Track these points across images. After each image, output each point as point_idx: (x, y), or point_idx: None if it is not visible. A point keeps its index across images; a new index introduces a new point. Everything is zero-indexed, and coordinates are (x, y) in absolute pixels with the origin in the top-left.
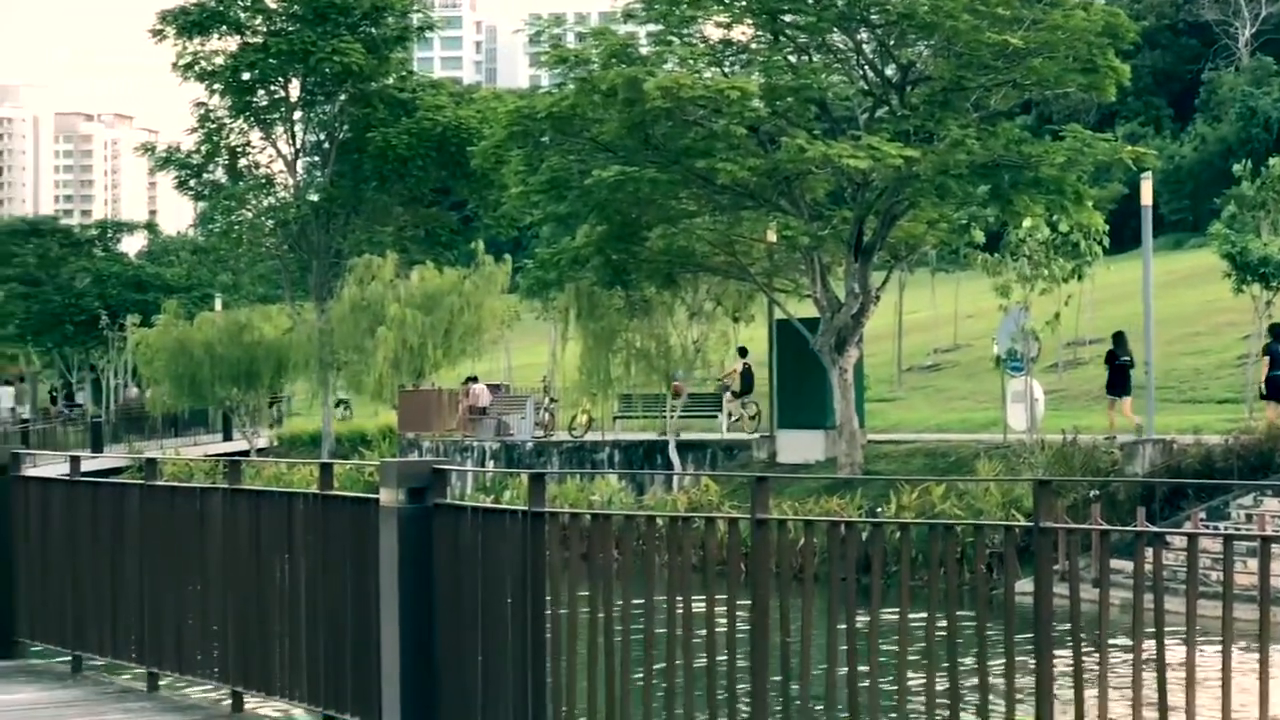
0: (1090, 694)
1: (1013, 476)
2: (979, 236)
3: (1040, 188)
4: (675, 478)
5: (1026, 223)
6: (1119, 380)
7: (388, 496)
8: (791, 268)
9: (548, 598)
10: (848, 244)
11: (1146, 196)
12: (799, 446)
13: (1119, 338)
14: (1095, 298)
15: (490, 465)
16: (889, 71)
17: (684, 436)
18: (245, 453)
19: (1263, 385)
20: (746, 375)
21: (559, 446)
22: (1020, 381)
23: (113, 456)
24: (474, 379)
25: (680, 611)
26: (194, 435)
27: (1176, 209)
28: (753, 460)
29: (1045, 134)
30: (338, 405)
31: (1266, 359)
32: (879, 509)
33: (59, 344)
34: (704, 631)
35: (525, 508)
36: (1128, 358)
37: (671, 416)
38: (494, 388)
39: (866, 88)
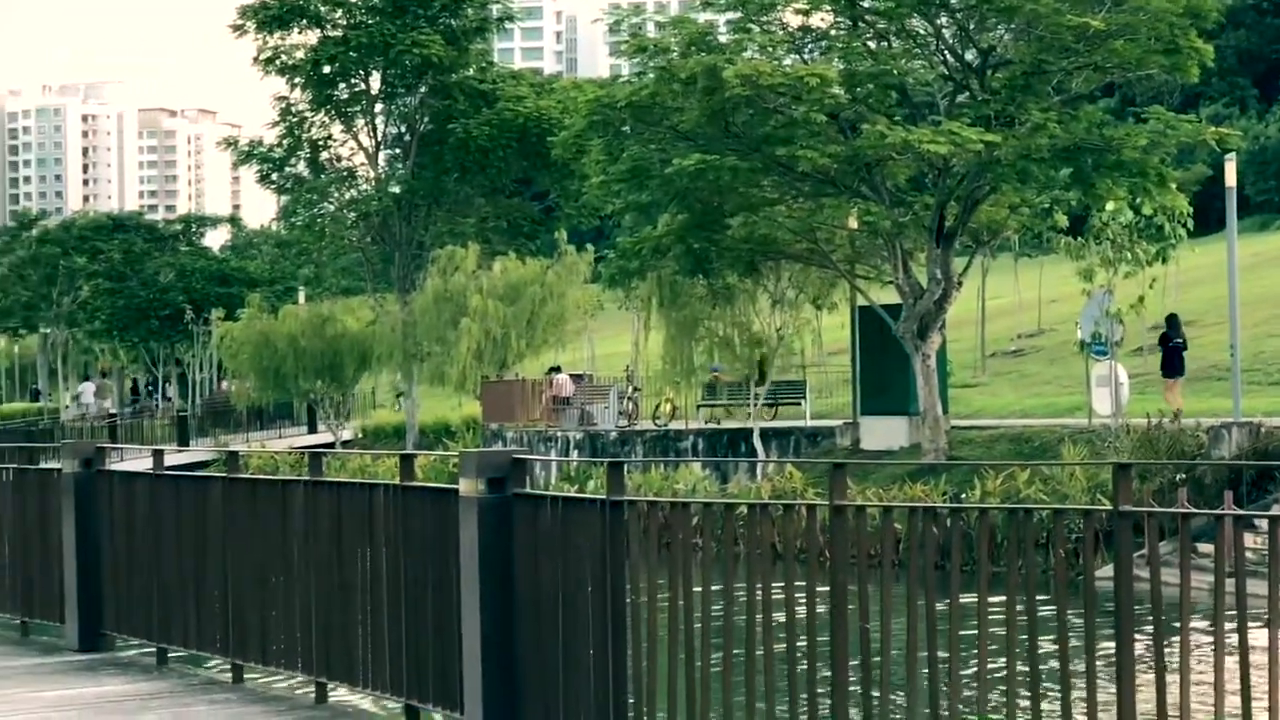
0: (1171, 678)
1: (1092, 461)
2: (1062, 221)
3: (1123, 171)
4: (759, 465)
5: (1109, 206)
6: (1172, 361)
7: (467, 487)
8: (873, 254)
9: (627, 586)
10: (929, 230)
11: (1231, 178)
12: (882, 433)
13: (1172, 320)
14: (1180, 280)
15: (574, 455)
16: (969, 56)
17: (767, 424)
18: (330, 445)
19: None
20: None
21: (643, 435)
22: (1105, 365)
23: (198, 450)
24: (557, 369)
25: (759, 598)
26: (279, 428)
27: (1262, 190)
28: (836, 447)
29: (1128, 116)
30: (397, 397)
31: None
32: (963, 495)
33: (144, 338)
34: (783, 617)
35: (604, 496)
36: (1180, 339)
37: (755, 404)
38: (577, 377)
39: (946, 73)
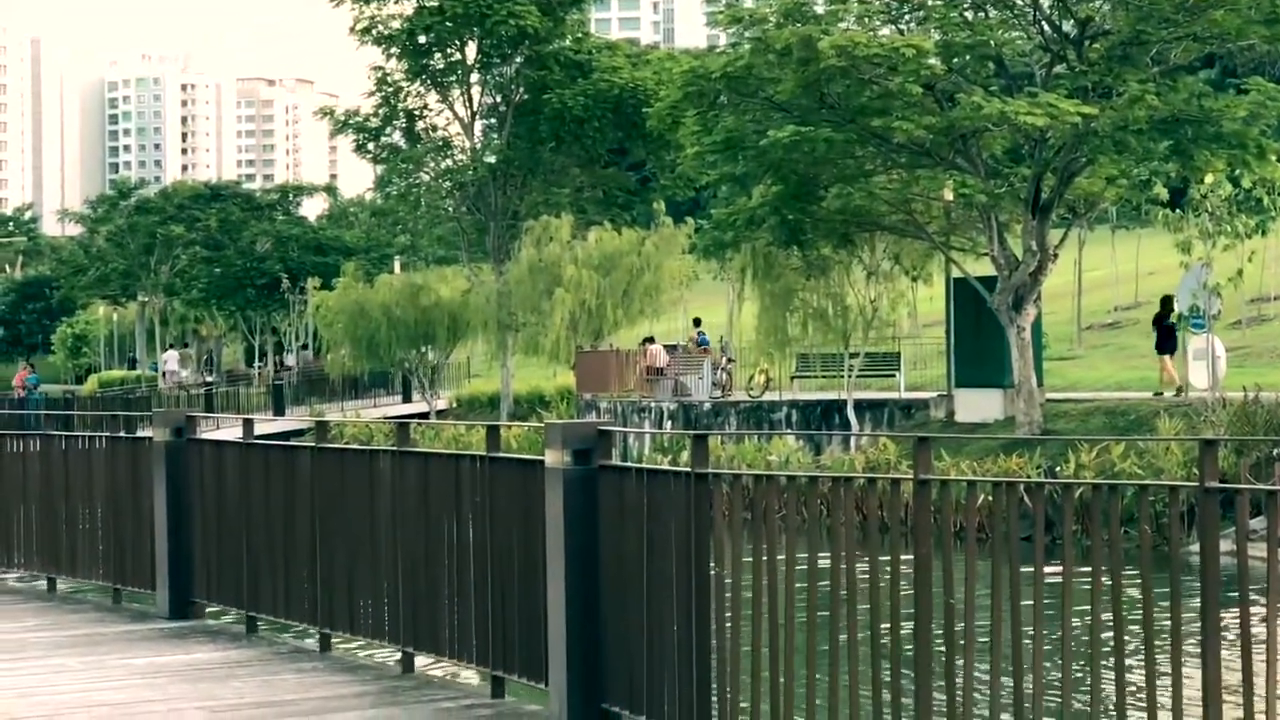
0: (1258, 657)
1: (1178, 436)
2: (1162, 193)
3: (1222, 142)
4: (853, 437)
5: (1208, 178)
6: (1166, 339)
7: (553, 458)
8: (969, 226)
9: (711, 558)
10: (1025, 201)
11: None
12: (977, 405)
13: (1166, 301)
14: (1278, 253)
15: (668, 426)
16: (1067, 26)
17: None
18: (425, 415)
19: None
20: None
21: (736, 406)
22: (1202, 339)
23: (292, 420)
24: (651, 339)
25: (844, 570)
26: (374, 397)
27: None
28: (930, 419)
29: (1229, 87)
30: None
31: None
32: (1057, 468)
33: (241, 307)
34: (867, 588)
35: (689, 469)
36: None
37: (850, 376)
38: (671, 348)
39: (1044, 43)
